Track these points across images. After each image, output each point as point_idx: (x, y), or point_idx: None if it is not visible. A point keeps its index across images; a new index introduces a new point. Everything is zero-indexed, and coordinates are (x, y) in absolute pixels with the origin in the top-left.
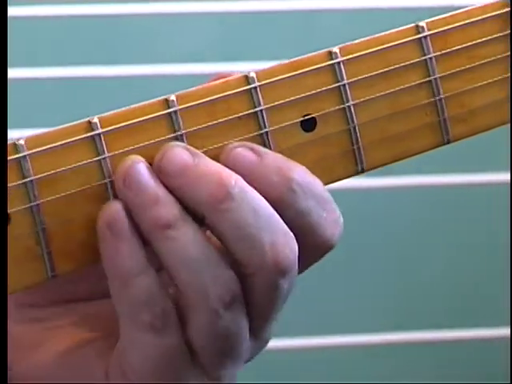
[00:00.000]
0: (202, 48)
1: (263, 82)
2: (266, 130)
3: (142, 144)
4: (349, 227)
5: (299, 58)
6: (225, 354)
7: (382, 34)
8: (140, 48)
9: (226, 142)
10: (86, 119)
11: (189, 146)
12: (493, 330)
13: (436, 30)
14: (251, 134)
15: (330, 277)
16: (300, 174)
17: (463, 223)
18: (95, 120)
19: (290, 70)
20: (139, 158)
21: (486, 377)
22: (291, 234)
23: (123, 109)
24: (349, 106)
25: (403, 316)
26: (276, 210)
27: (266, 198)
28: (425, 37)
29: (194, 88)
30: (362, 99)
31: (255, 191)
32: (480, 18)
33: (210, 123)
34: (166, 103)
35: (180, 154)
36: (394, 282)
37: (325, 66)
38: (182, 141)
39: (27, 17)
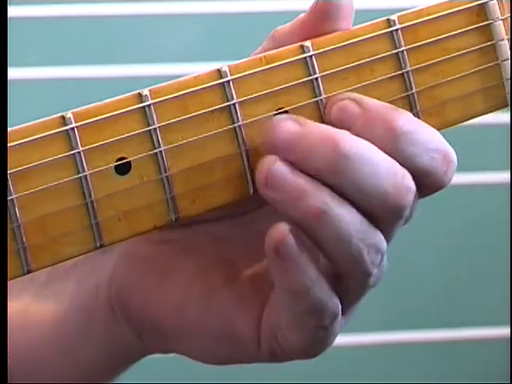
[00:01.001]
0: (187, 48)
1: (236, 76)
2: (239, 123)
3: (116, 138)
4: None
5: (272, 51)
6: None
7: (354, 27)
8: (126, 48)
9: (199, 136)
10: (60, 114)
11: (294, 116)
12: (493, 330)
13: (407, 24)
14: (224, 128)
15: None
16: (403, 122)
17: (463, 223)
18: (69, 115)
19: (263, 64)
20: (273, 157)
21: (486, 377)
22: (404, 170)
23: (97, 103)
24: (321, 100)
25: (403, 316)
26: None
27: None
28: (396, 30)
29: (167, 82)
30: (334, 92)
31: (365, 143)
32: (450, 11)
33: (183, 117)
34: (140, 97)
35: (286, 126)
36: (395, 282)
37: (297, 60)
38: (156, 135)
39: (16, 18)
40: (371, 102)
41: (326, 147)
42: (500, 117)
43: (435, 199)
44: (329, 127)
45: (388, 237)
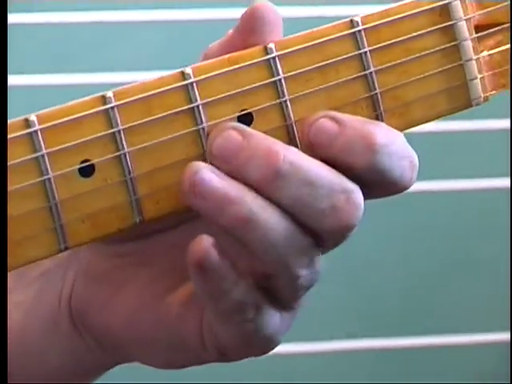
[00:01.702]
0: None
1: (199, 78)
2: (203, 125)
3: (80, 140)
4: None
5: (235, 53)
6: (304, 295)
7: (317, 28)
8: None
9: (164, 138)
10: (23, 117)
11: (239, 125)
12: (493, 335)
13: (370, 25)
14: (188, 130)
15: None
16: (381, 136)
17: (464, 228)
18: (32, 117)
19: (226, 66)
20: (201, 164)
21: (486, 382)
22: (352, 187)
23: (61, 106)
24: (285, 101)
25: (404, 321)
26: (360, 174)
27: (352, 166)
28: (359, 31)
29: (130, 84)
30: (298, 94)
31: (307, 160)
32: (413, 11)
33: (146, 119)
34: (103, 99)
35: (230, 136)
36: (394, 287)
37: (260, 61)
38: (120, 137)
39: None
40: (347, 119)
41: (262, 161)
42: (500, 123)
43: (437, 205)
44: (272, 140)
45: (329, 247)
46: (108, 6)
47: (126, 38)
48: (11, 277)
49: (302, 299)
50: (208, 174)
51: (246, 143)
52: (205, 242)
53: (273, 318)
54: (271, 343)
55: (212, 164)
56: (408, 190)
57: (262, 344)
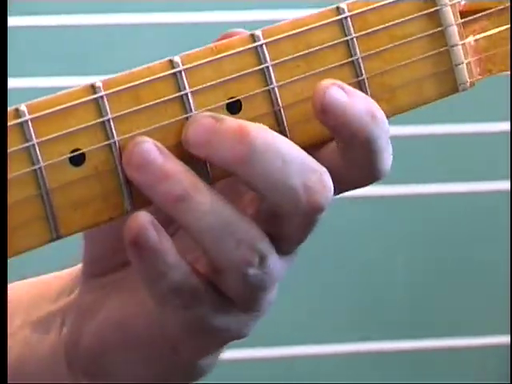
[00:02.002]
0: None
1: (188, 66)
2: (192, 113)
3: (70, 129)
4: (349, 236)
5: (222, 41)
6: (260, 296)
7: (304, 15)
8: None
9: (153, 126)
10: (14, 107)
11: (212, 113)
12: (493, 338)
13: (356, 11)
14: (178, 118)
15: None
16: (381, 113)
17: (464, 231)
18: (22, 107)
19: (214, 54)
20: (145, 137)
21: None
22: (323, 169)
23: (50, 95)
24: (273, 88)
25: (404, 325)
26: (358, 147)
27: (353, 135)
28: (345, 18)
29: (119, 73)
30: (285, 81)
31: (280, 137)
32: None
33: (136, 107)
34: (92, 89)
35: (202, 121)
36: (395, 290)
37: (248, 49)
38: (110, 125)
39: None
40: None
41: (235, 138)
42: (500, 125)
43: (437, 207)
44: (245, 122)
45: (294, 238)
46: (113, 8)
47: (131, 40)
48: None
49: (263, 302)
50: (149, 146)
51: (218, 126)
52: (141, 219)
53: (221, 313)
54: (222, 339)
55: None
56: (408, 192)
57: (211, 338)
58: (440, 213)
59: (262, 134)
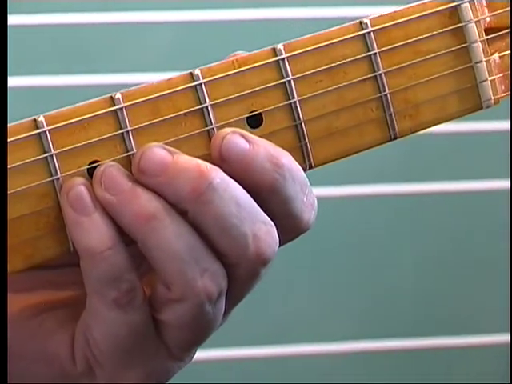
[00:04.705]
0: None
1: (208, 79)
2: (212, 126)
3: (88, 141)
4: (348, 234)
5: (244, 55)
6: (197, 343)
7: (327, 30)
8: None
9: (171, 139)
10: (32, 118)
11: (165, 146)
12: (493, 337)
13: (379, 26)
14: (197, 131)
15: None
16: (288, 159)
17: (464, 230)
18: (41, 118)
19: (235, 67)
20: (112, 163)
21: (486, 382)
22: (271, 223)
23: (69, 107)
24: (294, 102)
25: (404, 323)
26: (265, 197)
27: (257, 184)
28: (368, 33)
29: (139, 86)
30: (307, 95)
31: (235, 182)
32: (423, 13)
33: (155, 120)
34: (112, 101)
35: (158, 152)
36: (396, 290)
37: (269, 63)
38: (128, 138)
39: None
40: (258, 138)
41: (194, 171)
42: (500, 124)
43: (436, 206)
44: (199, 160)
45: (237, 291)
46: (117, 6)
47: (135, 39)
48: None
49: (194, 349)
50: (116, 170)
51: (175, 157)
52: (77, 180)
53: (150, 340)
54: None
55: (139, 180)
56: (408, 192)
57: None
58: (440, 212)
59: (221, 173)
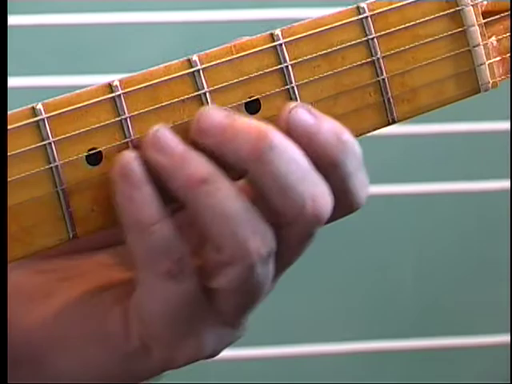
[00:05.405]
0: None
1: (206, 65)
2: None
3: (87, 128)
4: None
5: (241, 41)
6: (248, 307)
7: (324, 15)
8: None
9: (170, 125)
10: (30, 105)
11: (224, 107)
12: (493, 338)
13: (377, 11)
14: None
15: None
16: (350, 136)
17: (464, 230)
18: (39, 106)
19: (233, 53)
20: (165, 125)
21: (486, 382)
22: (326, 184)
23: (67, 94)
24: (292, 88)
25: (404, 324)
26: (325, 171)
27: (320, 158)
28: (366, 17)
29: (137, 73)
30: (305, 80)
31: (293, 144)
32: None
33: (153, 107)
34: (110, 88)
35: (217, 113)
36: (397, 290)
37: (267, 48)
38: (127, 125)
39: None
40: (323, 115)
41: (253, 132)
42: (500, 124)
43: (436, 207)
44: (261, 122)
45: (291, 252)
46: (117, 7)
47: (135, 39)
48: None
49: (247, 316)
50: (169, 133)
51: (235, 118)
52: (129, 154)
53: (206, 316)
54: (192, 350)
55: (198, 141)
56: (408, 192)
57: (186, 337)
58: (440, 212)
59: (280, 135)
